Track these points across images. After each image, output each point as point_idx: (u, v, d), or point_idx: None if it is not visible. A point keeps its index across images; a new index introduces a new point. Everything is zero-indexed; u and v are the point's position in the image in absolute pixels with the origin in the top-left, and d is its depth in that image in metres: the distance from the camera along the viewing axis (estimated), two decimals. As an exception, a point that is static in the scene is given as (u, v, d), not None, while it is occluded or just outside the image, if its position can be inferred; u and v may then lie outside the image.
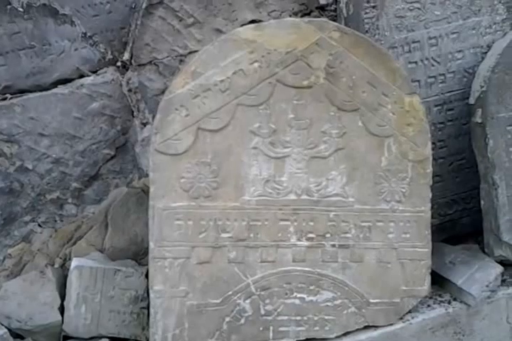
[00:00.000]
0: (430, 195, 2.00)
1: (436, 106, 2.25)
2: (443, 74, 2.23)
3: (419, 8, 2.15)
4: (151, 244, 1.85)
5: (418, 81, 2.21)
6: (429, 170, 1.99)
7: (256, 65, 1.86)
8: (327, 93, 1.90)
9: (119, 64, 2.15)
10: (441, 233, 2.36)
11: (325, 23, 1.90)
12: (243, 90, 1.86)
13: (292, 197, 1.92)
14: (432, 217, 2.32)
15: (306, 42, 1.87)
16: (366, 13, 2.10)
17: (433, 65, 2.20)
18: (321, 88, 1.89)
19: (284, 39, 1.87)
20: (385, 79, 1.92)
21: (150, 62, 2.09)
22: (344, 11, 2.10)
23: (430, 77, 2.22)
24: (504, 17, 2.24)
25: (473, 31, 2.22)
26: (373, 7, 2.10)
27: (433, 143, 2.26)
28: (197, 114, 1.84)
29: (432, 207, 2.31)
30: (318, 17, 2.17)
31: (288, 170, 1.91)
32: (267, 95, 1.87)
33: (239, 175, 1.88)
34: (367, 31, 2.10)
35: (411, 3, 2.14)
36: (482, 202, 2.17)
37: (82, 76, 2.16)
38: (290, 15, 2.15)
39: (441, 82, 2.23)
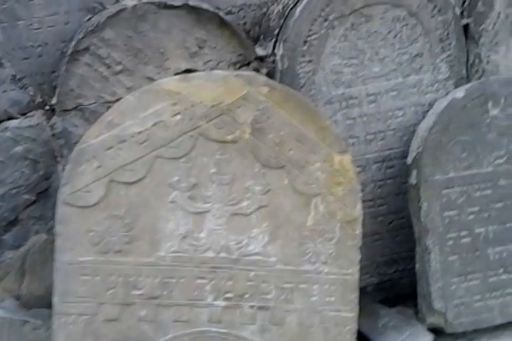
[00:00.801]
0: (359, 257, 1.91)
1: (375, 163, 2.19)
2: (383, 132, 2.17)
3: (356, 65, 2.10)
4: (55, 299, 1.77)
5: (357, 137, 2.15)
6: (359, 231, 1.90)
7: (178, 117, 1.80)
8: (252, 149, 1.83)
9: (47, 108, 2.11)
10: (379, 292, 2.28)
11: (254, 77, 1.86)
12: (163, 142, 1.80)
13: (210, 254, 1.84)
14: (371, 276, 2.27)
15: (233, 96, 1.82)
16: (302, 67, 2.05)
17: (372, 122, 2.15)
18: (246, 143, 1.83)
19: (211, 92, 1.81)
20: (314, 136, 1.86)
21: (75, 107, 2.04)
22: (279, 64, 2.05)
23: (370, 133, 2.16)
24: (447, 76, 2.19)
25: (414, 89, 2.17)
26: (309, 61, 2.05)
27: (372, 201, 2.21)
28: (110, 165, 1.77)
29: (371, 266, 2.25)
30: (257, 68, 2.11)
31: (207, 227, 1.83)
32: (188, 148, 1.81)
33: (155, 229, 1.81)
34: (302, 86, 2.05)
35: (348, 59, 2.09)
36: (417, 266, 2.09)
37: (10, 118, 2.12)
38: (228, 66, 2.10)
39: (381, 139, 2.18)
